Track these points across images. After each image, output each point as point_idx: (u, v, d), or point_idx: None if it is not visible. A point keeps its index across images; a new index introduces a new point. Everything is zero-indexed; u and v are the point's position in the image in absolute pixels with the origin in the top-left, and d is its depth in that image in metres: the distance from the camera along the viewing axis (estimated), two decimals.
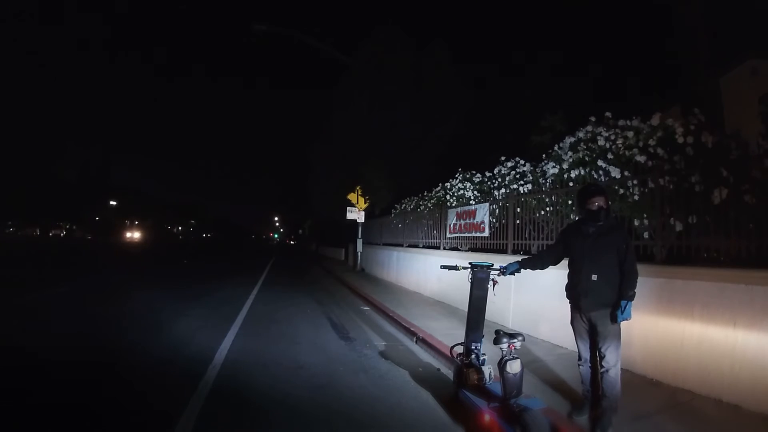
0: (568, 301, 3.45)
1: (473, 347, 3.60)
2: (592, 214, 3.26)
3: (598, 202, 3.23)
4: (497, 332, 3.23)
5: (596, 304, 3.18)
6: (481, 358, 3.58)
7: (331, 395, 3.91)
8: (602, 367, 3.18)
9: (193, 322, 6.66)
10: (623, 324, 3.16)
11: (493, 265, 3.78)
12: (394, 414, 3.58)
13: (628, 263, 3.12)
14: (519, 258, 3.81)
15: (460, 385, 3.59)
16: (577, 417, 3.33)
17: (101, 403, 3.54)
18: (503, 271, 3.71)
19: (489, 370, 3.46)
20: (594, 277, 3.18)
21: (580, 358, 3.42)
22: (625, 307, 3.04)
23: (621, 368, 3.22)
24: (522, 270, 3.71)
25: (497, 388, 3.25)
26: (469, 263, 3.80)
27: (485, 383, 3.41)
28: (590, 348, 3.33)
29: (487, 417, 3.10)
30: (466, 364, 3.56)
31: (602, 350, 3.17)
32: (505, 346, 3.14)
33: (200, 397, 3.68)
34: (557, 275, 4.16)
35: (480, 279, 3.70)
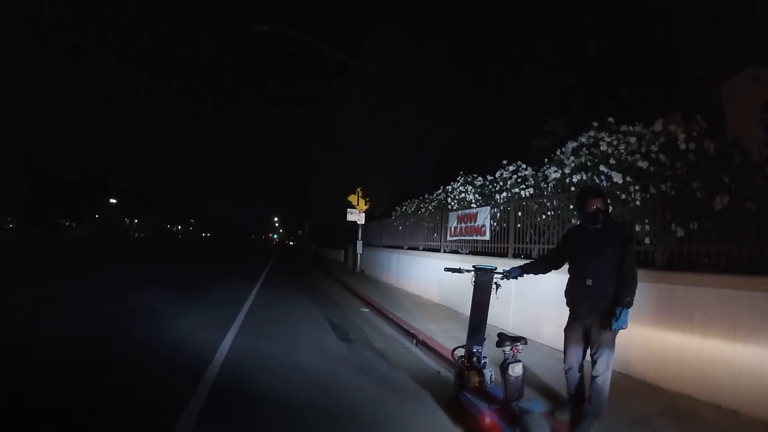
0: (567, 305, 3.46)
1: (475, 350, 3.61)
2: (589, 215, 3.27)
3: (595, 204, 3.23)
4: (500, 335, 3.25)
5: (591, 309, 3.16)
6: (483, 361, 3.59)
7: (332, 396, 3.91)
8: (592, 373, 3.15)
9: (193, 321, 6.66)
10: (623, 330, 3.12)
11: (496, 268, 3.80)
12: (395, 416, 3.58)
13: (626, 267, 3.05)
14: (521, 262, 3.83)
15: (461, 387, 3.60)
16: (560, 416, 3.34)
17: (102, 402, 3.53)
18: (506, 274, 3.72)
19: (490, 372, 3.48)
20: (589, 282, 3.16)
21: (566, 365, 3.38)
22: (620, 315, 2.95)
23: (624, 373, 3.22)
24: (524, 274, 3.73)
25: (498, 391, 3.26)
26: (473, 266, 3.82)
27: (486, 386, 3.42)
28: (582, 353, 3.31)
29: (488, 419, 3.11)
30: (468, 366, 3.57)
31: (594, 357, 3.15)
32: (507, 348, 3.16)
33: (200, 397, 3.68)
34: (558, 279, 4.18)
35: (483, 282, 3.72)
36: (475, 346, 3.62)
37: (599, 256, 3.16)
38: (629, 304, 3.00)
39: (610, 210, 5.13)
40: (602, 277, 3.11)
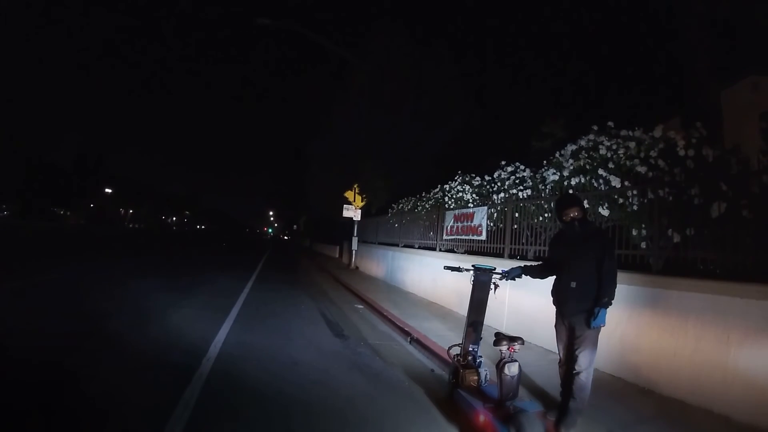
0: (553, 304, 3.52)
1: (471, 349, 3.63)
2: (566, 225, 3.40)
3: (572, 214, 3.34)
4: (497, 334, 3.27)
5: (575, 309, 3.25)
6: (478, 360, 3.61)
7: (326, 393, 3.90)
8: (575, 369, 3.23)
9: (187, 314, 6.61)
10: (617, 333, 3.20)
11: (495, 268, 3.81)
12: (389, 413, 3.59)
13: (606, 271, 3.16)
14: (519, 263, 3.85)
15: (456, 385, 3.61)
16: (551, 417, 3.38)
17: (94, 395, 3.49)
18: (505, 275, 3.74)
19: (485, 372, 3.50)
20: (573, 284, 3.26)
21: (560, 361, 3.48)
22: (598, 313, 3.08)
23: (616, 376, 3.25)
24: (524, 275, 3.75)
25: (493, 390, 3.27)
26: (472, 265, 3.83)
27: (481, 385, 3.44)
28: (568, 349, 3.39)
29: (482, 418, 3.13)
30: (463, 365, 3.59)
31: (576, 353, 3.24)
32: (504, 348, 3.17)
33: (194, 390, 3.65)
34: (552, 281, 4.20)
35: (482, 282, 3.73)
36: (471, 345, 3.64)
37: (582, 259, 3.27)
38: (607, 304, 3.12)
39: (608, 214, 5.20)
40: (585, 278, 3.22)
